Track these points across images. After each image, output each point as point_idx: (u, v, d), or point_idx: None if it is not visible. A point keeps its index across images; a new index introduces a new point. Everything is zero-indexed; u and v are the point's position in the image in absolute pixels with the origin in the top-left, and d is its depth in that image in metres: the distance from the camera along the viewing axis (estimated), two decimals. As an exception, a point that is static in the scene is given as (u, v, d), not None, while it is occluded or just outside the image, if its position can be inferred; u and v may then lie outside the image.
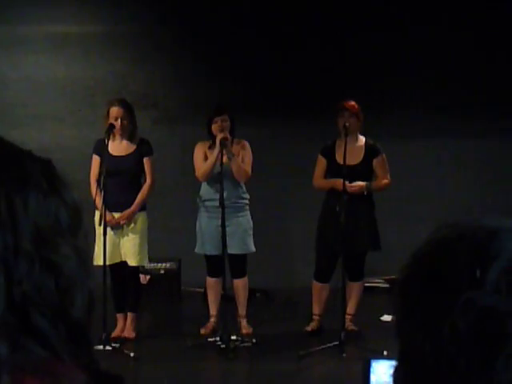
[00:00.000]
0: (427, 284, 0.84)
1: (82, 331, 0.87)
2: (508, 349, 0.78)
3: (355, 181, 6.30)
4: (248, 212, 6.58)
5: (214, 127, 6.36)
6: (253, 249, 6.57)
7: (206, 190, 6.53)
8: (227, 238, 6.22)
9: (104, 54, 8.48)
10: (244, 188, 6.57)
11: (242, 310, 6.62)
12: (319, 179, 6.55)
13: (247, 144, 6.58)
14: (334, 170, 6.41)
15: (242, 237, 6.48)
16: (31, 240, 0.81)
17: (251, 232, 6.57)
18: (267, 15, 8.37)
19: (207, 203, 6.49)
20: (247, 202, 6.59)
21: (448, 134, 8.40)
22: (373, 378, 1.35)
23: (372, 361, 1.37)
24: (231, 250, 6.41)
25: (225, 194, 6.25)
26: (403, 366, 0.86)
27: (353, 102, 6.45)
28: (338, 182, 6.23)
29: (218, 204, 6.21)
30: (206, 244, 6.52)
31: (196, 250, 6.63)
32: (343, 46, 8.33)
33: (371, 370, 1.36)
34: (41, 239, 0.82)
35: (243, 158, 6.50)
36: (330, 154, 6.50)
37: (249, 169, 6.51)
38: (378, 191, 6.50)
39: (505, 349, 0.78)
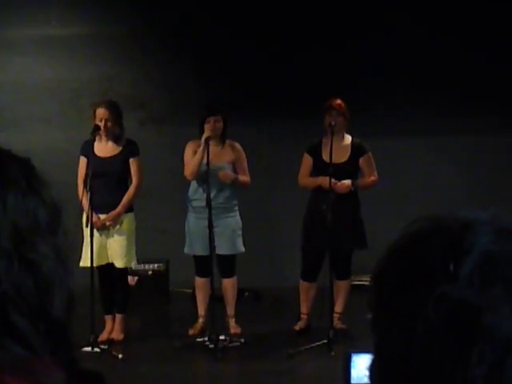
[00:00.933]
0: (401, 277, 0.84)
1: (62, 330, 0.87)
2: (481, 343, 0.78)
3: (341, 179, 6.31)
4: (237, 212, 6.57)
5: (207, 127, 6.35)
6: (242, 249, 6.57)
7: (194, 190, 6.53)
8: (216, 239, 6.22)
9: (90, 55, 8.46)
10: (233, 189, 6.57)
11: (230, 309, 6.62)
12: (304, 178, 6.55)
13: (240, 147, 6.57)
14: (320, 168, 6.42)
15: (230, 237, 6.48)
16: (9, 239, 0.81)
17: (240, 232, 6.57)
18: (252, 15, 8.37)
19: (195, 203, 6.49)
20: (236, 202, 6.58)
21: (439, 132, 8.42)
22: (354, 372, 1.35)
23: (353, 355, 1.37)
24: (220, 251, 6.41)
25: (213, 195, 6.26)
26: (378, 358, 0.86)
27: (339, 101, 6.45)
28: (324, 181, 6.24)
29: (204, 204, 6.21)
30: (194, 244, 6.51)
31: (185, 251, 6.63)
32: (333, 45, 8.33)
33: (352, 364, 1.36)
34: (19, 238, 0.82)
35: (240, 163, 6.52)
36: (316, 153, 6.51)
37: (247, 174, 6.54)
38: (365, 189, 6.51)
39: (478, 342, 0.78)
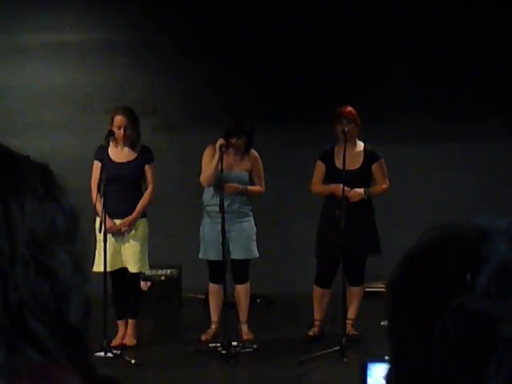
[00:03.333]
0: (417, 287, 0.83)
1: (79, 335, 0.87)
2: (499, 353, 0.77)
3: (354, 186, 6.30)
4: (251, 218, 6.58)
5: (231, 141, 6.37)
6: (256, 254, 6.58)
7: (210, 195, 6.54)
8: (230, 244, 6.27)
9: (103, 61, 8.49)
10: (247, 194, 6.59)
11: (243, 315, 6.62)
12: (317, 185, 6.55)
13: (258, 156, 6.59)
14: (333, 175, 6.41)
15: (245, 242, 6.48)
16: (27, 245, 0.81)
17: (255, 237, 6.58)
18: (266, 22, 8.38)
19: (210, 208, 6.50)
20: (250, 207, 6.60)
21: (450, 139, 8.40)
22: (370, 381, 1.34)
23: (369, 364, 1.36)
24: (234, 256, 6.43)
25: (228, 201, 6.28)
26: (395, 368, 0.86)
27: (350, 108, 6.45)
28: (337, 188, 6.23)
29: (218, 210, 6.24)
30: (208, 249, 6.51)
31: (199, 256, 6.63)
32: (346, 53, 8.33)
33: (368, 372, 1.35)
34: (37, 244, 0.82)
35: (257, 173, 6.55)
36: (329, 160, 6.51)
37: (263, 184, 6.58)
38: (376, 196, 6.50)
39: (495, 353, 0.77)
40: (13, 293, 0.79)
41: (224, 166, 6.29)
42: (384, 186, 6.48)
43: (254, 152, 6.59)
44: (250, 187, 6.53)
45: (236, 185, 6.46)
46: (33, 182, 0.86)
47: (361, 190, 6.33)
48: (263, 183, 6.60)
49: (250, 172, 6.57)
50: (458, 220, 0.88)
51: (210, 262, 6.56)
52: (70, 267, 0.85)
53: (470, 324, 0.77)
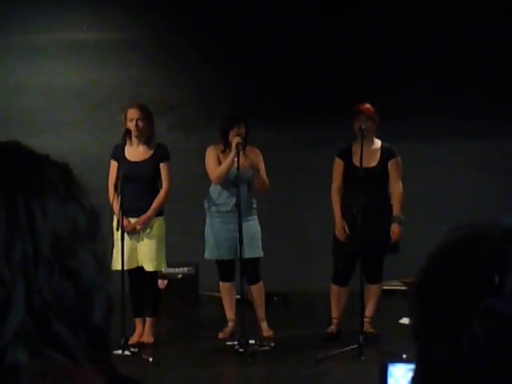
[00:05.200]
0: (444, 289, 0.82)
1: (101, 336, 0.87)
2: None
3: (372, 183, 6.26)
4: (256, 216, 6.59)
5: (233, 133, 6.36)
6: (262, 253, 6.55)
7: (218, 194, 6.52)
8: (237, 242, 6.25)
9: (119, 60, 8.51)
10: (253, 192, 6.58)
11: (260, 312, 6.60)
12: (336, 193, 6.48)
13: (259, 153, 6.58)
14: (350, 172, 6.39)
15: (252, 241, 6.45)
16: (50, 247, 0.81)
17: (260, 236, 6.56)
18: (281, 20, 8.37)
19: (217, 208, 6.49)
20: (255, 206, 6.60)
21: (465, 136, 8.36)
22: (391, 381, 1.33)
23: (389, 364, 1.35)
24: (243, 255, 6.40)
25: (235, 199, 6.27)
26: (421, 371, 0.84)
27: (368, 105, 6.42)
28: (339, 225, 6.32)
29: (229, 208, 6.27)
30: (219, 249, 6.50)
31: (206, 256, 6.63)
32: (358, 50, 8.31)
33: (388, 373, 1.34)
34: (60, 246, 0.82)
35: (263, 175, 6.52)
36: (346, 157, 6.49)
37: (267, 181, 6.54)
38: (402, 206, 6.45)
39: None
40: (36, 295, 0.78)
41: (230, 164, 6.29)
42: (398, 192, 6.41)
43: (254, 149, 6.55)
44: (262, 170, 6.48)
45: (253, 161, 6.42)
46: (54, 182, 0.85)
47: (396, 227, 6.33)
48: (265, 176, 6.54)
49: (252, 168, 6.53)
50: (483, 220, 0.86)
51: (220, 262, 6.56)
52: (92, 267, 0.85)
53: (499, 328, 0.76)
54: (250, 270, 6.48)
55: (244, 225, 6.32)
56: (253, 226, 6.51)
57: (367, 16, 8.34)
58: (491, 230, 0.83)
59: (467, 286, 0.79)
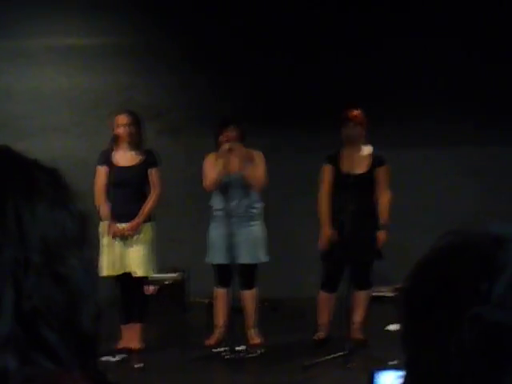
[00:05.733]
0: (432, 295, 0.82)
1: (90, 342, 0.86)
2: None
3: (361, 190, 6.27)
4: (261, 221, 6.52)
5: (221, 138, 6.37)
6: (264, 259, 6.51)
7: (215, 199, 6.52)
8: (238, 247, 6.23)
9: (108, 65, 8.51)
10: (257, 197, 6.53)
11: (250, 320, 6.58)
12: (325, 200, 6.47)
13: (260, 154, 6.52)
14: (338, 179, 6.40)
15: (251, 246, 6.43)
16: (39, 252, 0.80)
17: (263, 242, 6.50)
18: (273, 26, 8.38)
19: (216, 213, 6.49)
20: (260, 211, 6.53)
21: (455, 143, 8.39)
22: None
23: (375, 372, 1.35)
24: (241, 260, 6.38)
25: (235, 203, 6.28)
26: (410, 378, 0.84)
27: (357, 112, 6.43)
28: (325, 236, 6.33)
29: (225, 213, 6.26)
30: (215, 253, 6.49)
31: (206, 260, 6.61)
32: (353, 56, 8.33)
33: (376, 381, 1.33)
34: (49, 251, 0.81)
35: (257, 165, 6.47)
36: (335, 164, 6.49)
37: (262, 175, 6.46)
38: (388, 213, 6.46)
39: None
40: (26, 302, 0.78)
41: (227, 170, 6.28)
42: (385, 199, 6.42)
43: (254, 151, 6.53)
44: (250, 168, 6.41)
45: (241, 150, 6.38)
46: (43, 187, 0.85)
47: (382, 234, 6.34)
48: (263, 176, 6.45)
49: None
50: (472, 226, 0.86)
51: (217, 266, 6.53)
52: (81, 274, 0.84)
53: (486, 335, 0.76)
54: (245, 275, 6.47)
55: (246, 230, 6.32)
56: (254, 231, 6.47)
57: (357, 22, 8.36)
58: (480, 236, 0.83)
59: (455, 292, 0.79)
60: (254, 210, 6.51)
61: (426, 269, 0.84)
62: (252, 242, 6.43)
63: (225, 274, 6.43)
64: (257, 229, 6.49)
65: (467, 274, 0.79)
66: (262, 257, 6.50)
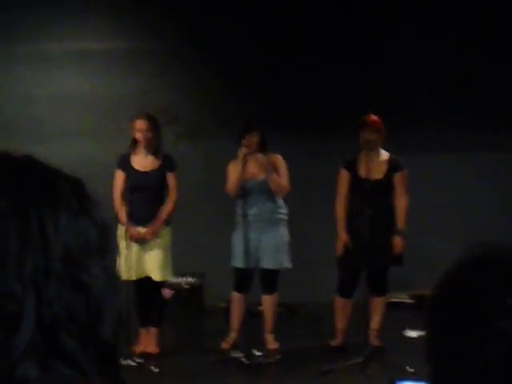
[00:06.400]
0: (458, 308, 0.81)
1: (111, 351, 0.86)
2: None
3: (378, 195, 6.25)
4: (284, 227, 6.50)
5: (243, 142, 6.39)
6: (287, 265, 6.49)
7: (239, 204, 6.53)
8: (261, 252, 6.25)
9: (127, 69, 8.54)
10: (281, 202, 6.51)
11: (268, 325, 6.56)
12: (341, 205, 6.46)
13: (280, 158, 6.53)
14: (356, 184, 6.38)
15: (274, 252, 6.42)
16: (61, 261, 0.81)
17: (286, 247, 6.49)
18: (289, 32, 8.39)
19: (238, 218, 6.50)
20: (283, 216, 6.51)
21: (469, 148, 8.35)
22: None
23: (396, 382, 1.34)
24: (263, 265, 6.39)
25: (258, 209, 6.30)
26: None
27: (375, 117, 6.42)
28: (341, 241, 6.29)
29: (251, 218, 6.29)
30: (236, 257, 6.49)
31: (232, 264, 6.58)
32: (368, 61, 8.32)
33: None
34: (71, 260, 0.82)
35: (278, 170, 6.47)
36: (352, 169, 6.48)
37: (286, 183, 6.48)
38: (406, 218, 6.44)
39: None
40: (47, 309, 0.78)
41: (247, 175, 6.31)
42: (403, 204, 6.40)
43: (275, 156, 6.54)
44: (274, 174, 6.42)
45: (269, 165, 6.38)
46: (67, 196, 0.85)
47: (399, 239, 6.31)
48: (287, 180, 6.47)
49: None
50: (498, 239, 0.86)
51: (237, 270, 6.53)
52: (103, 282, 0.84)
53: None
54: (267, 280, 6.47)
55: (268, 235, 6.34)
56: (277, 236, 6.46)
57: (378, 26, 8.35)
58: (506, 250, 0.83)
59: (481, 306, 0.79)
60: (279, 215, 6.49)
61: (453, 280, 0.84)
62: (276, 247, 6.42)
63: (245, 279, 6.43)
64: (281, 234, 6.48)
65: (494, 287, 0.79)
66: (286, 263, 6.49)
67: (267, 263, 6.39)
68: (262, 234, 6.28)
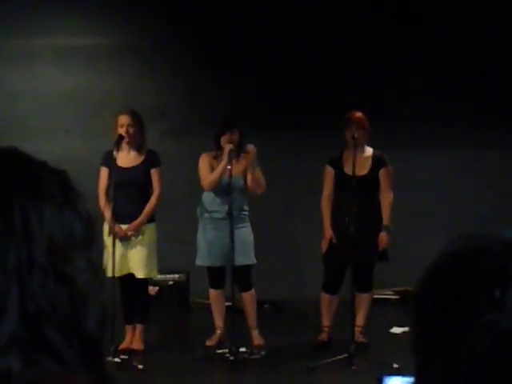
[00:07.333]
0: (443, 300, 0.81)
1: (95, 344, 0.86)
2: None
3: (363, 191, 6.26)
4: (249, 223, 6.58)
5: (223, 139, 6.37)
6: (255, 260, 6.55)
7: (211, 201, 6.51)
8: (233, 249, 6.25)
9: (112, 66, 8.50)
10: (246, 200, 6.57)
11: (252, 321, 6.59)
12: (327, 202, 6.48)
13: (254, 148, 6.47)
14: (341, 181, 6.40)
15: (244, 248, 6.45)
16: (45, 253, 0.80)
17: (252, 243, 6.55)
18: (277, 29, 8.38)
19: (213, 214, 6.48)
20: (248, 213, 6.59)
21: (459, 146, 8.39)
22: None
23: (384, 377, 1.34)
24: (237, 262, 6.39)
25: (234, 205, 6.28)
26: (421, 383, 0.84)
27: (360, 114, 6.44)
28: (327, 237, 6.33)
29: (222, 215, 6.28)
30: (211, 256, 6.49)
31: (197, 263, 6.61)
32: (356, 59, 8.33)
33: (384, 386, 1.33)
34: (55, 252, 0.81)
35: (251, 163, 6.45)
36: (337, 165, 6.49)
37: (263, 180, 6.49)
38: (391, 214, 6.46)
39: None
40: (30, 302, 0.78)
41: (226, 172, 6.29)
42: (388, 200, 6.43)
43: (248, 146, 6.52)
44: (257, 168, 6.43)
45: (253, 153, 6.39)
46: (51, 188, 0.85)
47: (384, 235, 6.33)
48: (260, 173, 6.48)
49: (245, 174, 6.50)
50: (483, 231, 0.86)
51: (211, 268, 6.55)
52: (88, 275, 0.84)
53: (498, 343, 0.75)
54: (242, 277, 6.48)
55: (236, 232, 6.32)
56: (245, 233, 6.51)
57: (363, 29, 8.36)
58: (492, 242, 0.82)
59: (468, 298, 0.78)
60: (244, 213, 6.54)
61: (437, 273, 0.84)
62: (243, 244, 6.43)
63: (218, 275, 6.49)
64: (246, 231, 6.52)
65: (480, 280, 0.78)
66: (253, 258, 6.53)
67: (239, 260, 6.35)
68: (234, 231, 6.24)
